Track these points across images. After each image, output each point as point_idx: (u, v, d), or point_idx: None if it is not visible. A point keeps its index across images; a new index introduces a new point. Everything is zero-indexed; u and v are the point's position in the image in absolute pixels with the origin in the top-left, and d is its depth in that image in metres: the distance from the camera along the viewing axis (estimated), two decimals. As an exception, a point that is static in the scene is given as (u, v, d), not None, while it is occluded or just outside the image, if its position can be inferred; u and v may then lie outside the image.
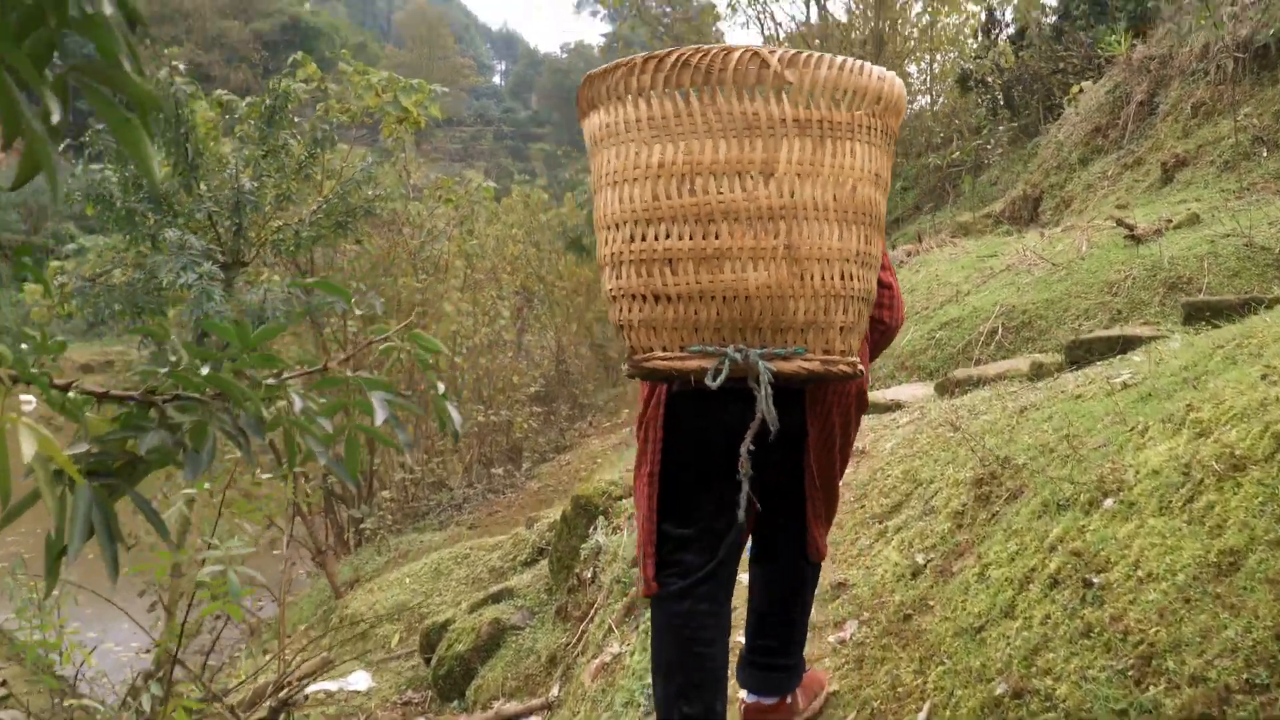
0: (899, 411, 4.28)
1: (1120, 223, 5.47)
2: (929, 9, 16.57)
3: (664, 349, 1.76)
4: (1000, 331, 5.08)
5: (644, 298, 1.75)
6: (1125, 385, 2.98)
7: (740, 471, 1.74)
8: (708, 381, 1.69)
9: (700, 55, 1.66)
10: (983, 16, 16.14)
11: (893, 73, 1.78)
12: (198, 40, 48.11)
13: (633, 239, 1.75)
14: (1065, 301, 5.04)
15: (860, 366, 1.80)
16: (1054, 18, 14.80)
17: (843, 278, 1.72)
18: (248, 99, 9.17)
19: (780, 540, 2.22)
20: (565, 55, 70.62)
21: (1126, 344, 3.90)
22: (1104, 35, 9.09)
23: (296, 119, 6.44)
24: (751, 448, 1.73)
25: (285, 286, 5.79)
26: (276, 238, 6.17)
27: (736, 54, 1.65)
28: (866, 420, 4.17)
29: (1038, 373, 4.01)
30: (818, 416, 2.04)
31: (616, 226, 1.78)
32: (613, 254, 1.80)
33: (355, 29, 62.54)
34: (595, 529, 4.73)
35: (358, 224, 6.38)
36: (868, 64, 1.74)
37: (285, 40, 51.07)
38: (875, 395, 4.67)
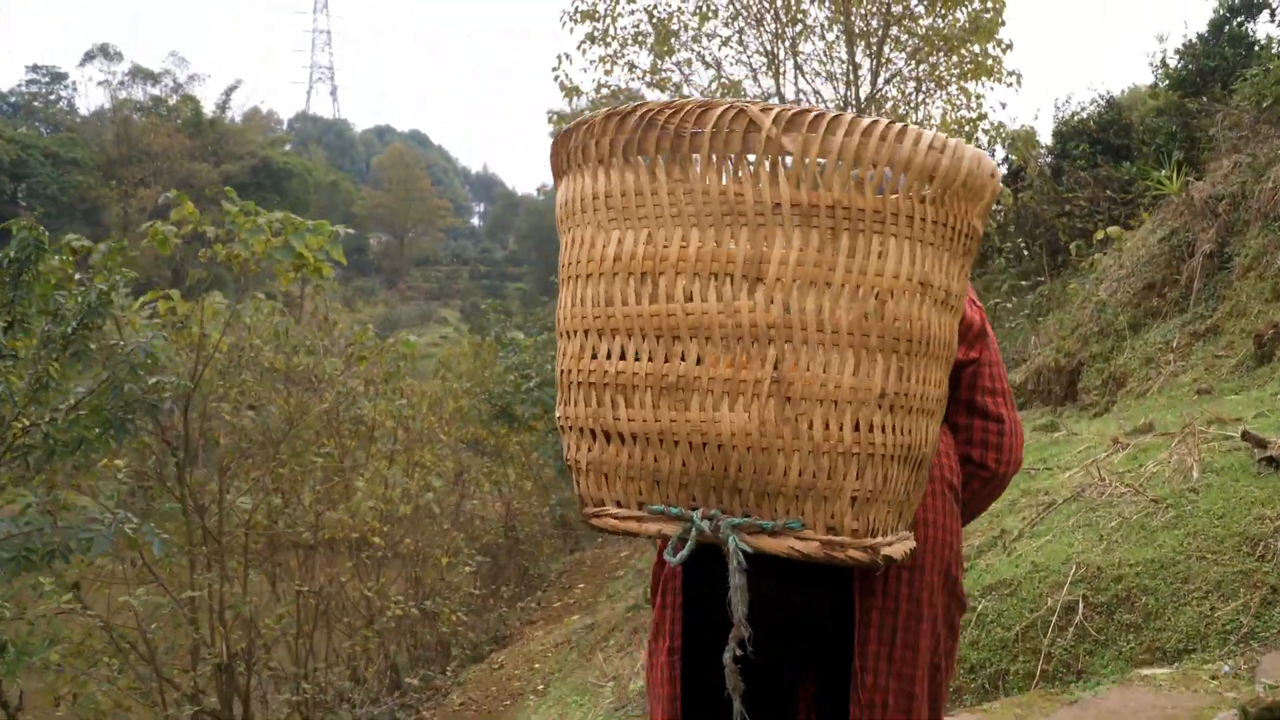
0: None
1: (1246, 436, 3.69)
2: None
3: (618, 504, 1.41)
4: (1081, 608, 3.24)
5: (593, 433, 1.40)
6: None
7: (730, 686, 1.35)
8: (667, 557, 1.35)
9: (671, 112, 1.30)
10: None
11: (958, 140, 1.26)
12: (165, 182, 47.47)
13: (582, 353, 1.41)
14: (1182, 565, 3.21)
15: (889, 550, 1.31)
16: (1050, 157, 13.61)
17: (857, 428, 1.27)
18: (104, 244, 7.46)
19: None
20: (542, 197, 70.80)
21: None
22: (1147, 171, 7.56)
23: (78, 275, 4.69)
24: (739, 652, 1.33)
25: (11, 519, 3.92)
26: (24, 442, 4.30)
27: (717, 112, 1.27)
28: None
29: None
30: (873, 599, 1.52)
31: (569, 335, 1.44)
32: (563, 371, 1.46)
33: (328, 170, 62.36)
34: None
35: (139, 421, 4.54)
36: (912, 128, 1.23)
37: (255, 182, 50.96)
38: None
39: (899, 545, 1.36)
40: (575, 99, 16.60)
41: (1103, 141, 12.73)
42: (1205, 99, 8.52)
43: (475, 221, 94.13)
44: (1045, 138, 14.50)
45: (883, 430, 1.29)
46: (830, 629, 1.57)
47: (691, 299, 1.30)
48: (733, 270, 1.28)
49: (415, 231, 66.85)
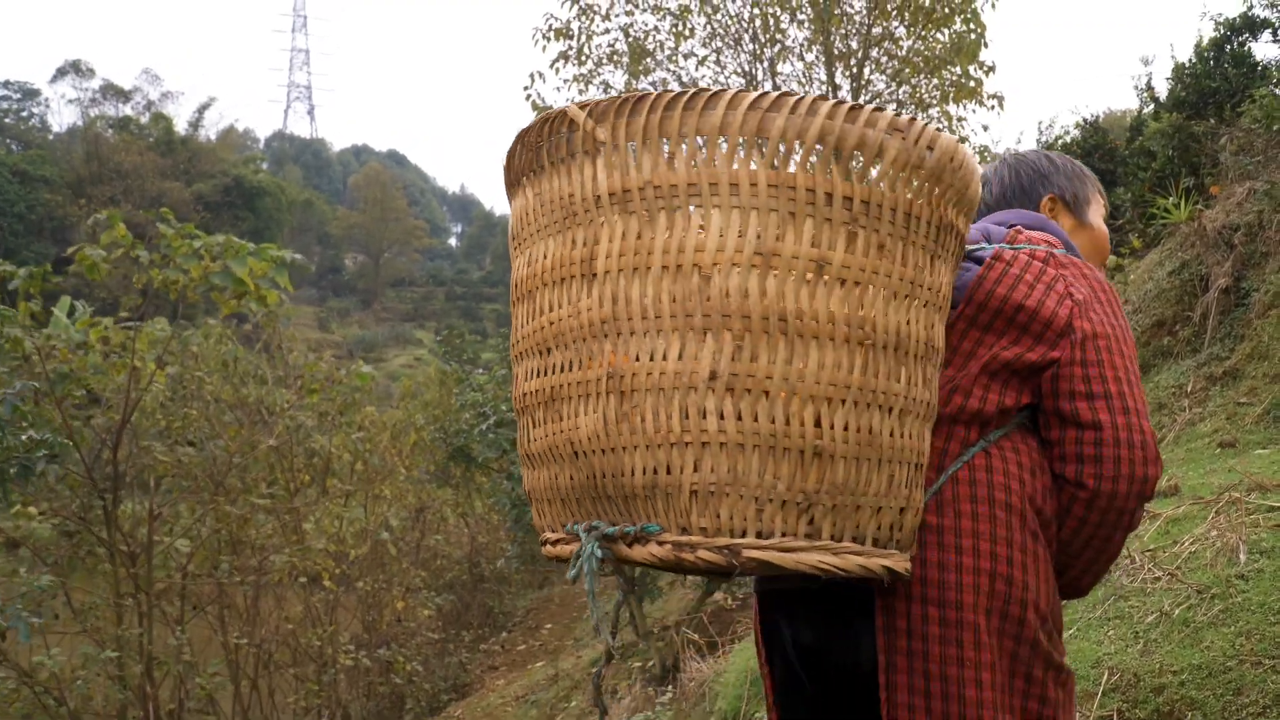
0: None
1: (1300, 511, 3.15)
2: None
3: (550, 529, 1.39)
4: (1116, 724, 2.67)
5: (525, 460, 1.42)
6: None
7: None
8: (569, 575, 1.29)
9: (532, 131, 1.33)
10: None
11: (818, 97, 1.18)
12: (136, 201, 46.74)
13: (512, 383, 1.44)
14: (1234, 673, 2.65)
15: (760, 554, 1.18)
16: (1036, 180, 13.19)
17: (686, 415, 1.19)
18: (25, 269, 6.84)
19: None
20: (519, 218, 70.50)
21: None
22: (1148, 198, 7.08)
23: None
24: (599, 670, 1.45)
25: None
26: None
27: (552, 119, 1.29)
28: None
29: None
30: (898, 639, 1.39)
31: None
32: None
33: (302, 189, 61.69)
34: None
35: (12, 485, 3.93)
36: (744, 92, 1.19)
37: (227, 201, 50.38)
38: None
39: (803, 555, 1.19)
40: (547, 119, 16.15)
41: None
42: (1212, 121, 8.05)
43: (452, 242, 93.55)
44: (1029, 162, 14.10)
45: (721, 416, 1.18)
46: (873, 682, 1.45)
47: (552, 307, 1.30)
48: (574, 271, 1.27)
49: (391, 252, 66.18)
